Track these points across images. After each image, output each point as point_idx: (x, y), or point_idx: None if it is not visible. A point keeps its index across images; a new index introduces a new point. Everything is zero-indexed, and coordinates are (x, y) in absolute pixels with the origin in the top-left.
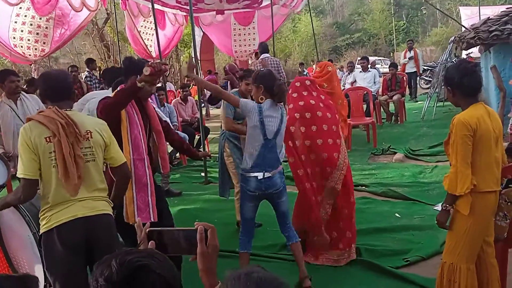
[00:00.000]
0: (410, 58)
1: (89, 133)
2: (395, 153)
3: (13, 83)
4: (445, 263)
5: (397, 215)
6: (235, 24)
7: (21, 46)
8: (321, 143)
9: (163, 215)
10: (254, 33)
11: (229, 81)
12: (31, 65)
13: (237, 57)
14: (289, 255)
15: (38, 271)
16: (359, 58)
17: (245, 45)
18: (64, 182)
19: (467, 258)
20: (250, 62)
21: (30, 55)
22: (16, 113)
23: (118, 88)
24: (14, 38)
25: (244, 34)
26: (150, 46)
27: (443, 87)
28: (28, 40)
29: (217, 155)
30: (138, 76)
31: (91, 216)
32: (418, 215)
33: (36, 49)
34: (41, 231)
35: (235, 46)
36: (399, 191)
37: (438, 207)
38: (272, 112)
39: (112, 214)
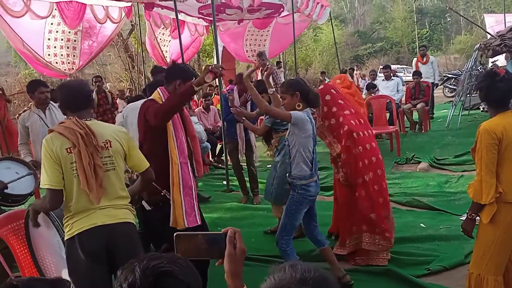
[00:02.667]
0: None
1: (108, 142)
2: (419, 162)
3: (42, 94)
4: (472, 274)
5: (422, 225)
6: (251, 27)
7: (56, 62)
8: (370, 147)
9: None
10: (267, 35)
11: (237, 90)
12: (65, 78)
13: (248, 57)
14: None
15: (66, 276)
16: (381, 67)
17: (255, 45)
18: (87, 191)
19: (495, 269)
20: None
21: (65, 69)
22: (44, 122)
23: (159, 90)
24: (49, 55)
25: (257, 35)
26: (166, 52)
27: (468, 95)
28: (61, 55)
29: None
30: (180, 80)
31: (110, 224)
32: (444, 225)
33: (69, 62)
34: (65, 238)
35: (246, 45)
36: (424, 200)
37: (465, 217)
38: (312, 119)
39: (134, 222)
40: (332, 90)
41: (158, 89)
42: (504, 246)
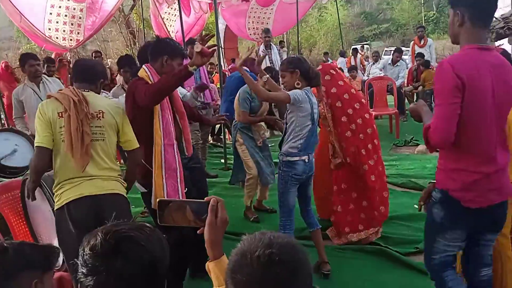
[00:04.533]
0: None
1: (101, 113)
2: (417, 144)
3: (32, 67)
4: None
5: (415, 206)
6: (254, 4)
7: (57, 38)
8: (371, 131)
9: (202, 194)
10: (270, 13)
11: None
12: (66, 53)
13: (250, 34)
14: (306, 240)
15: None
16: (386, 48)
17: (257, 23)
18: (70, 156)
19: None
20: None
21: (65, 45)
22: (39, 96)
23: (145, 68)
24: (49, 29)
25: (260, 13)
26: (172, 32)
27: None
28: (64, 31)
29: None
30: (167, 56)
31: (98, 195)
32: None
33: (71, 39)
34: (55, 208)
35: (249, 23)
36: (420, 182)
37: None
38: (313, 98)
39: (124, 194)
40: (331, 71)
41: (144, 66)
42: None
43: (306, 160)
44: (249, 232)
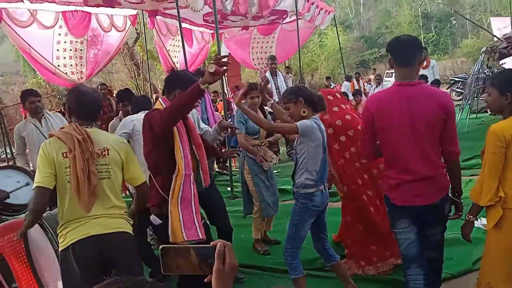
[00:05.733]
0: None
1: (106, 150)
2: None
3: (33, 104)
4: (481, 283)
5: None
6: (256, 34)
7: (66, 73)
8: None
9: (220, 215)
10: (272, 42)
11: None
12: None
13: (255, 64)
14: (318, 271)
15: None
16: (387, 71)
17: (261, 52)
18: (76, 198)
19: (505, 277)
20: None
21: (74, 79)
22: (40, 131)
23: (160, 100)
24: (58, 66)
25: (263, 42)
26: (176, 63)
27: (475, 98)
28: (71, 65)
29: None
30: (180, 90)
31: (104, 234)
32: (451, 231)
33: (77, 72)
34: (59, 249)
35: (252, 53)
36: None
37: (476, 223)
38: (322, 125)
39: (130, 232)
40: (329, 96)
41: (160, 99)
42: None
43: (323, 190)
44: (257, 265)
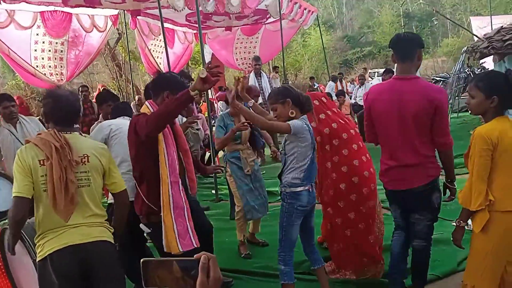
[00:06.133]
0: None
1: (85, 157)
2: None
3: (7, 109)
4: (466, 285)
5: None
6: (240, 35)
7: (44, 74)
8: (358, 163)
9: (200, 218)
10: (256, 42)
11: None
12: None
13: (238, 65)
14: (305, 274)
15: None
16: (370, 71)
17: (245, 53)
18: (52, 207)
19: (490, 280)
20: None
21: (53, 80)
22: (16, 137)
23: (147, 104)
24: (37, 66)
25: (246, 43)
26: (160, 64)
27: (456, 97)
28: (49, 66)
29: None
30: (168, 92)
31: (83, 243)
32: (436, 232)
33: (57, 74)
34: (37, 259)
35: (236, 53)
36: None
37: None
38: (309, 125)
39: (111, 241)
40: (315, 101)
41: (146, 103)
42: (498, 257)
43: (310, 190)
44: (241, 269)
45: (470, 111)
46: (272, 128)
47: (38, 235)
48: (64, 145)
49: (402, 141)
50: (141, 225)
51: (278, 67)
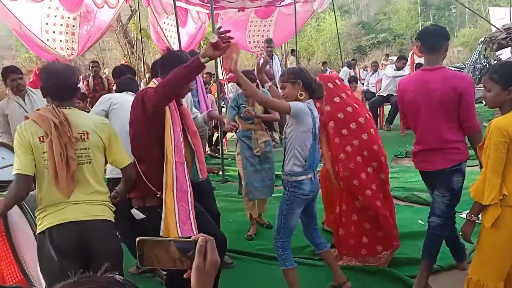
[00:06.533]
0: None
1: (85, 134)
2: None
3: (14, 82)
4: (471, 279)
5: (420, 221)
6: (253, 17)
7: (55, 48)
8: (377, 148)
9: (210, 204)
10: (270, 25)
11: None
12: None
13: (251, 48)
14: (308, 259)
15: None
16: (384, 57)
17: (258, 36)
18: (54, 184)
19: (496, 276)
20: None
21: (64, 55)
22: (24, 109)
23: (154, 80)
24: (47, 40)
25: (260, 26)
26: (173, 44)
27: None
28: (60, 40)
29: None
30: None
31: (83, 221)
32: None
33: (68, 48)
34: (37, 232)
35: (249, 36)
36: (423, 196)
37: (465, 215)
38: (315, 111)
39: (111, 219)
40: (329, 84)
41: (154, 80)
42: (507, 252)
43: (312, 178)
44: (242, 250)
45: (487, 105)
46: (271, 104)
47: (39, 208)
48: (64, 122)
49: (428, 128)
50: (133, 211)
51: (295, 51)
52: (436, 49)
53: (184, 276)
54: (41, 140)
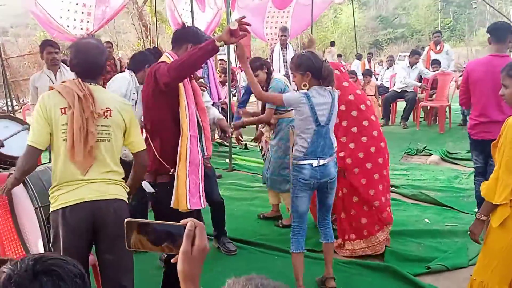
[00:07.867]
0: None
1: (108, 111)
2: (430, 154)
3: (50, 55)
4: (475, 280)
5: (426, 220)
6: (271, 7)
7: (68, 26)
8: (377, 134)
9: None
10: (287, 17)
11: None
12: None
13: (268, 39)
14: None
15: (40, 246)
16: (400, 54)
17: (275, 28)
18: (69, 157)
19: (500, 278)
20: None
21: (76, 34)
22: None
23: (167, 54)
24: (61, 17)
25: (278, 17)
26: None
27: None
28: (74, 19)
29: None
30: (192, 44)
31: (99, 200)
32: (450, 223)
33: (81, 28)
34: (50, 210)
35: (267, 28)
36: (431, 195)
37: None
38: (322, 98)
39: (125, 200)
40: (341, 68)
41: (166, 53)
42: None
43: (314, 165)
44: (246, 239)
45: (506, 102)
46: (265, 98)
47: (53, 185)
48: (88, 96)
49: (492, 103)
50: (144, 183)
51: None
52: (502, 40)
53: (171, 261)
54: (63, 111)
